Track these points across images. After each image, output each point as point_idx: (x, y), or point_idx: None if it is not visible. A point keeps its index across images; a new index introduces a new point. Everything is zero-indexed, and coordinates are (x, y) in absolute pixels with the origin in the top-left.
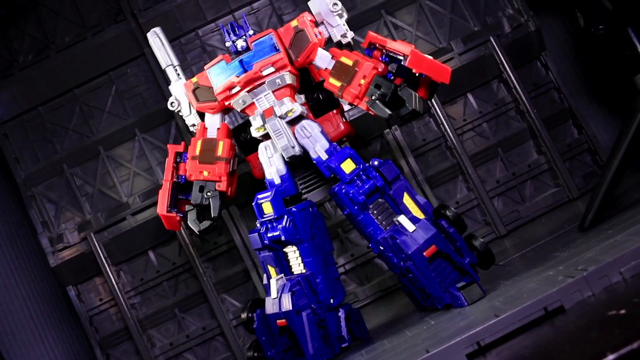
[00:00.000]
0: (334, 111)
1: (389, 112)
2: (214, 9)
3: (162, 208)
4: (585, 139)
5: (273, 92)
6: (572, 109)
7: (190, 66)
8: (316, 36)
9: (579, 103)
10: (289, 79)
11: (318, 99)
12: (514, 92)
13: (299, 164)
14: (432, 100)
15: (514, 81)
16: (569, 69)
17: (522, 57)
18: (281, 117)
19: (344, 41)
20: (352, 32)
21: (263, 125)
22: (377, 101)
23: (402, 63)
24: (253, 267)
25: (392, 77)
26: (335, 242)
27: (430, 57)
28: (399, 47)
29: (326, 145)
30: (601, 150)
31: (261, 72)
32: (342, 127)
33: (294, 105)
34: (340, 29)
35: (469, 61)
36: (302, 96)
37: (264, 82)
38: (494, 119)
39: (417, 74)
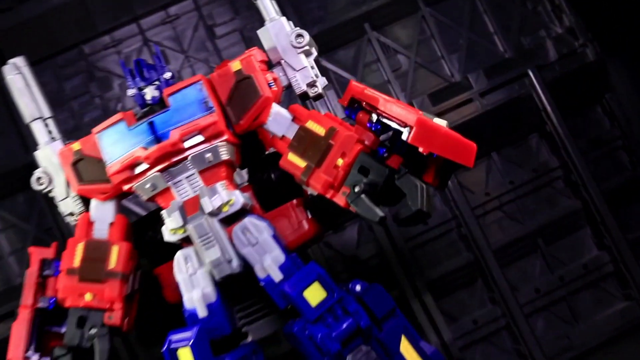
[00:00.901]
0: (294, 201)
1: (380, 213)
2: (110, 14)
3: (16, 353)
4: None
5: (200, 173)
6: None
7: (69, 101)
8: (269, 86)
9: None
10: (225, 153)
11: (269, 180)
12: (562, 152)
13: (238, 284)
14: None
15: (563, 136)
16: None
17: (575, 100)
18: (212, 214)
19: (312, 92)
20: (324, 79)
21: (183, 226)
22: (362, 195)
23: (402, 137)
24: None
25: (385, 154)
26: None
27: (444, 126)
28: (398, 113)
29: (281, 258)
30: None
31: (182, 142)
32: (306, 227)
33: (233, 195)
34: (306, 75)
35: (495, 105)
36: (244, 173)
37: (186, 158)
38: (532, 193)
39: (424, 153)
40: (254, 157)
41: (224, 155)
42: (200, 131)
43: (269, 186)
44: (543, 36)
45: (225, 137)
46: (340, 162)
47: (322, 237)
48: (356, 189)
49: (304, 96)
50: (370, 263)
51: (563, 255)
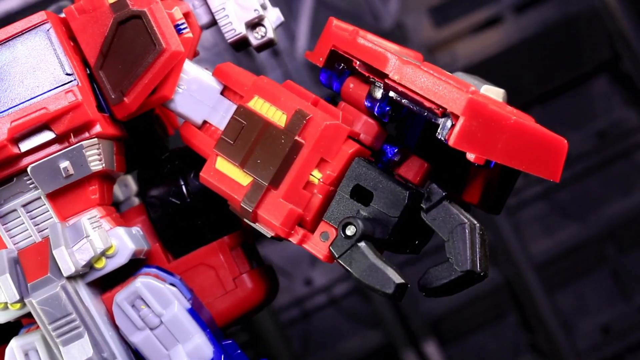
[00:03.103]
0: (226, 239)
1: (398, 278)
2: None
3: None
4: None
5: (49, 197)
6: None
7: None
8: (177, 30)
9: None
10: (97, 159)
11: (179, 197)
12: None
13: None
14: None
15: None
16: None
17: None
18: (73, 278)
19: (256, 39)
20: (277, 12)
21: (20, 300)
22: (360, 243)
23: (437, 133)
24: None
25: (395, 157)
26: None
27: (504, 101)
28: (430, 88)
29: (206, 351)
30: None
31: (15, 144)
32: (249, 286)
33: (114, 236)
34: (244, 5)
35: (538, 28)
36: (131, 181)
37: (23, 171)
38: (598, 171)
39: (475, 163)
40: (150, 153)
41: (95, 164)
42: (49, 122)
43: (180, 208)
44: None
45: (96, 130)
46: (317, 176)
47: (275, 296)
48: (348, 231)
49: (241, 44)
50: (335, 292)
51: None
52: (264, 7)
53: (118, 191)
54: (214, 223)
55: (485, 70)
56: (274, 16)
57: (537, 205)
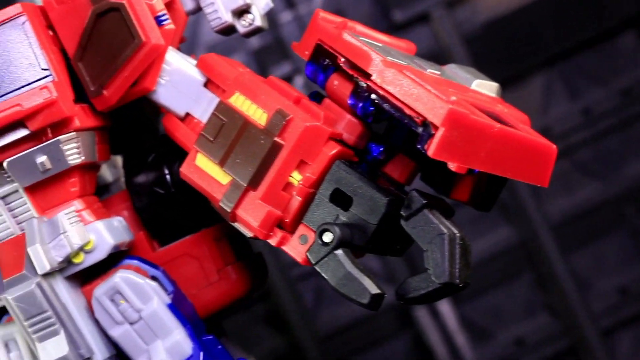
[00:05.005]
0: (211, 229)
1: (374, 288)
2: None
3: None
4: None
5: (28, 191)
6: None
7: None
8: (158, 22)
9: None
10: (75, 153)
11: (165, 187)
12: None
13: None
14: None
15: None
16: None
17: None
18: (50, 273)
19: (243, 26)
20: None
21: None
22: (337, 252)
23: (418, 143)
24: None
25: (381, 156)
26: None
27: (496, 96)
28: (409, 94)
29: (185, 347)
30: None
31: None
32: (233, 278)
33: (93, 230)
34: None
35: None
36: (119, 160)
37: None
38: (621, 130)
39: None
40: (139, 136)
41: (73, 158)
42: (23, 119)
43: (164, 198)
44: None
45: (74, 125)
46: (296, 178)
47: (262, 286)
48: (326, 238)
49: (227, 31)
50: None
51: None
52: None
53: (107, 172)
54: (199, 213)
55: (506, 24)
56: (262, 2)
57: (557, 163)
